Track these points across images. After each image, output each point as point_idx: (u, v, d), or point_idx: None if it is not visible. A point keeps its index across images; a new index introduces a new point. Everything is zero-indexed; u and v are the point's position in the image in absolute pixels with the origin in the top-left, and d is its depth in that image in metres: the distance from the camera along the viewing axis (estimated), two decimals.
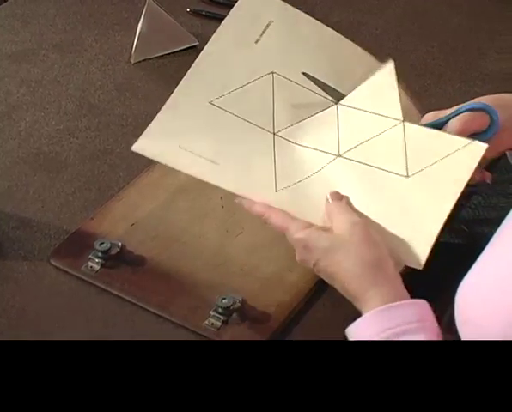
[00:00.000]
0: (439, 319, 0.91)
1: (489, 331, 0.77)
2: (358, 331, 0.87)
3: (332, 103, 1.03)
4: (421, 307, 0.87)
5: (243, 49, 1.06)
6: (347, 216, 0.93)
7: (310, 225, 0.94)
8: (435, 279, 0.95)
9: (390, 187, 0.97)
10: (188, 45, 1.35)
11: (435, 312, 0.88)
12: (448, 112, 1.02)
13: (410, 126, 1.00)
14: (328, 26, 1.41)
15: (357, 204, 0.96)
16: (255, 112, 1.03)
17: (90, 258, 1.00)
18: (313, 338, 0.94)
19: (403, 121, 1.00)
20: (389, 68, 1.02)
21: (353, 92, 1.03)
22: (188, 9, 1.44)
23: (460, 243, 1.08)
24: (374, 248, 0.90)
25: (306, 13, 1.43)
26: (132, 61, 1.33)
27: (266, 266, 1.01)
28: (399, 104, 1.01)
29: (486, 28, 1.42)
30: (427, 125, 1.01)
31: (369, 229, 0.92)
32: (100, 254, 1.00)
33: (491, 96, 1.03)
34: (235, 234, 1.03)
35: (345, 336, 0.88)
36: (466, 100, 1.07)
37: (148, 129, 1.01)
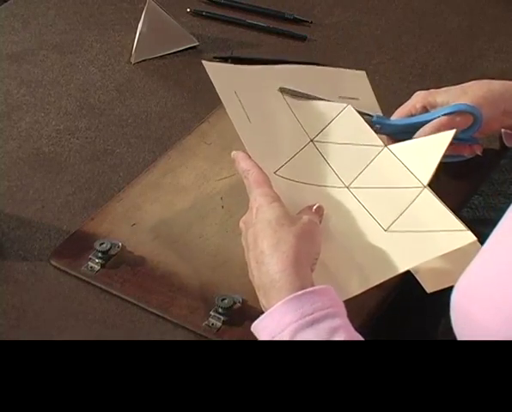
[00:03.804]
0: (438, 321, 0.91)
1: (488, 329, 0.77)
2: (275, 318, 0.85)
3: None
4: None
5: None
6: (313, 216, 0.93)
7: (280, 200, 0.93)
8: None
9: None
10: (188, 46, 1.35)
11: (435, 314, 0.88)
12: (438, 100, 1.08)
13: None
14: (328, 25, 1.42)
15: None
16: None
17: (90, 259, 1.00)
18: None
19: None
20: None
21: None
22: (188, 10, 1.44)
23: None
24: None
25: (306, 13, 1.44)
26: (132, 61, 1.33)
27: None
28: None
29: (486, 28, 1.42)
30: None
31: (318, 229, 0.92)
32: (100, 254, 1.00)
33: (480, 91, 1.07)
34: (235, 234, 1.03)
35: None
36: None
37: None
